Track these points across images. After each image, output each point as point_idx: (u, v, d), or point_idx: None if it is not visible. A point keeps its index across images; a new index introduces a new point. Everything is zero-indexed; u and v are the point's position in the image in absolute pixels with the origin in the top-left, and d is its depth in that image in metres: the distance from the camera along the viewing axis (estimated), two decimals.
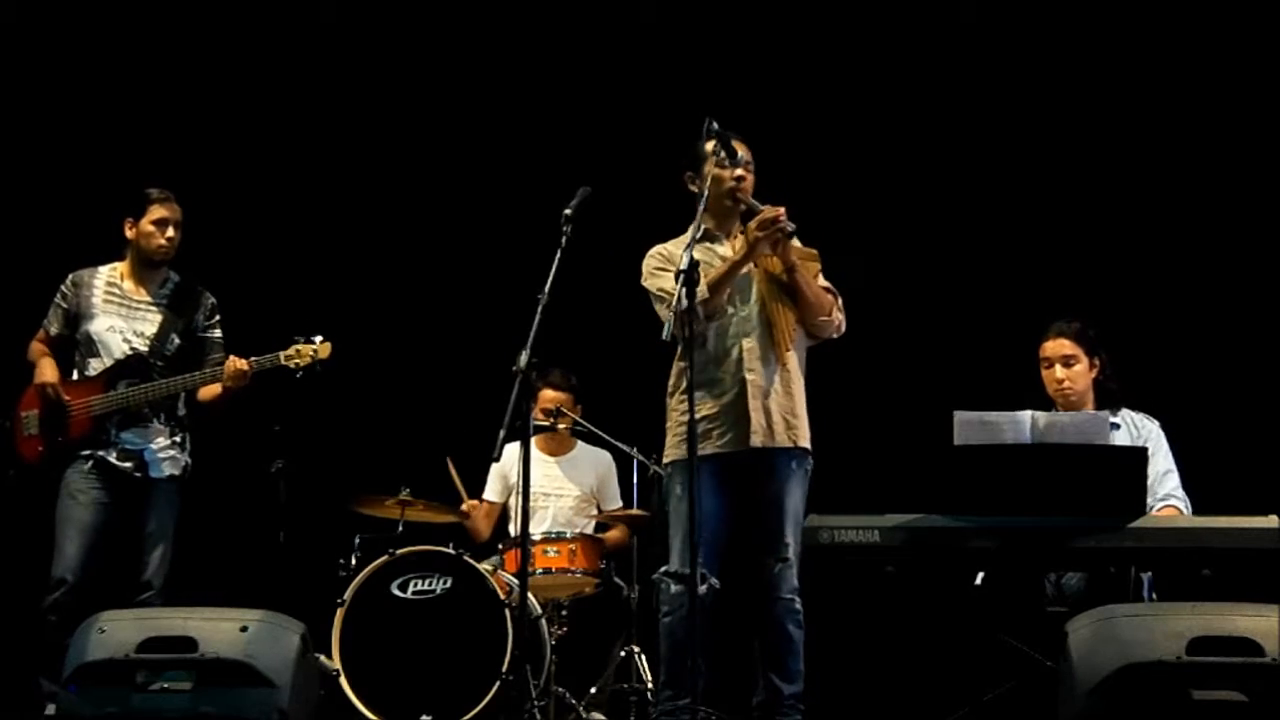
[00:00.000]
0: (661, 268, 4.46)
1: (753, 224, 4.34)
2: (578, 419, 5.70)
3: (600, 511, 5.86)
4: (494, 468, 5.83)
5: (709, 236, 4.50)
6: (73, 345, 4.97)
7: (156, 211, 4.93)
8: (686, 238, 4.38)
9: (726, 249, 4.47)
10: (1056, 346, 4.68)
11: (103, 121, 6.42)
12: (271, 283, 6.26)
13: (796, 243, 4.51)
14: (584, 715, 5.27)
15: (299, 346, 4.89)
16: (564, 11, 6.41)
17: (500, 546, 5.64)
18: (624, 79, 6.37)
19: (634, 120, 6.22)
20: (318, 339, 4.91)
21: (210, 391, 4.95)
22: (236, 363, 4.84)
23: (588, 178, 4.38)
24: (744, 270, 4.40)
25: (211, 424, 5.26)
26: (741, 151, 4.44)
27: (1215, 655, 3.39)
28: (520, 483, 4.20)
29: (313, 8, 6.51)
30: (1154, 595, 4.43)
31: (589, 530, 5.70)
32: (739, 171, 4.42)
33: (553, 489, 5.83)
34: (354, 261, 6.55)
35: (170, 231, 4.94)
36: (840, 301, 4.50)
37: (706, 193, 4.25)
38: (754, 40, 6.30)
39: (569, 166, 5.37)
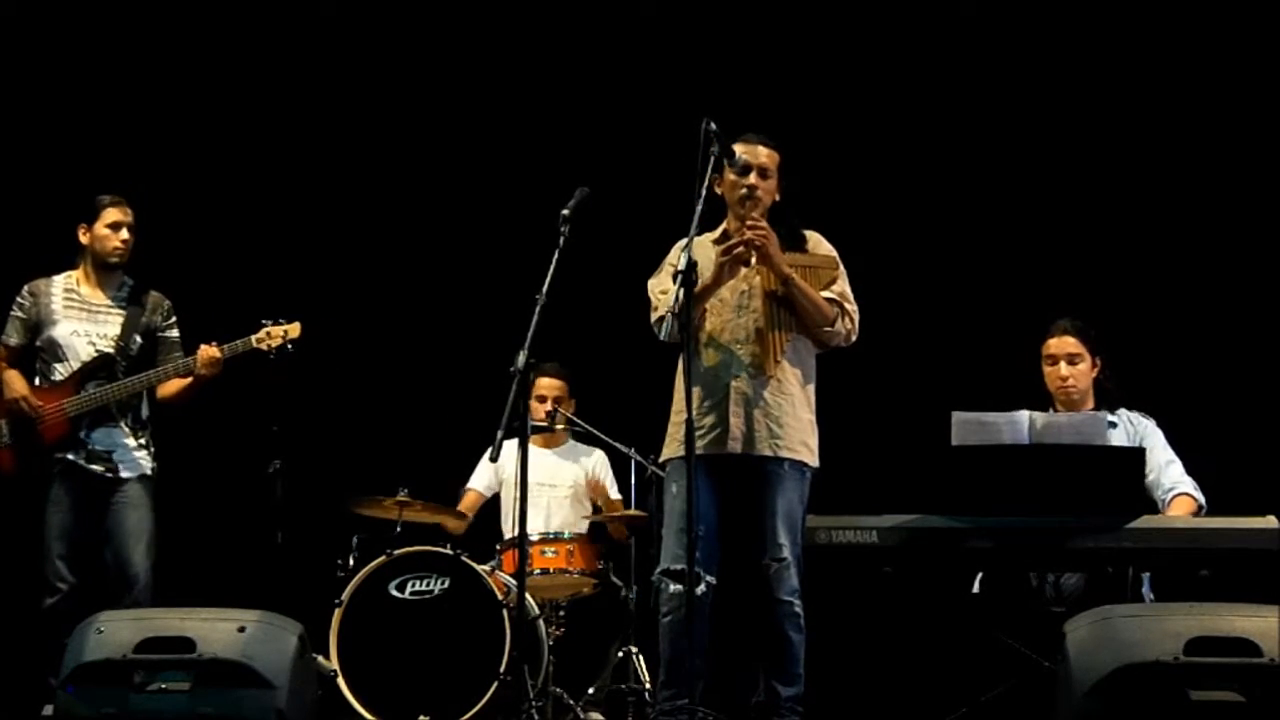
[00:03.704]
0: (672, 264, 4.46)
1: (719, 248, 4.35)
2: (576, 420, 5.70)
3: (598, 508, 5.87)
4: (484, 460, 5.84)
5: (728, 238, 4.48)
6: (33, 355, 5.03)
7: (110, 215, 5.03)
8: (712, 234, 4.45)
9: None
10: (1062, 344, 4.67)
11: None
12: (272, 284, 6.25)
13: (825, 247, 4.50)
14: (582, 715, 5.27)
15: (269, 329, 4.98)
16: (563, 8, 6.41)
17: (498, 547, 5.65)
18: (623, 77, 6.37)
19: (634, 120, 6.22)
20: (284, 320, 4.99)
21: (173, 387, 5.03)
22: (209, 351, 4.91)
23: (587, 178, 4.38)
24: (746, 281, 4.40)
25: (210, 424, 5.28)
26: (761, 157, 4.42)
27: (1213, 656, 3.38)
28: (518, 483, 4.19)
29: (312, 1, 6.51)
30: (1152, 595, 4.44)
31: (585, 524, 5.71)
32: (750, 180, 4.41)
33: (546, 479, 5.83)
34: (353, 263, 6.55)
35: (125, 234, 5.03)
36: (852, 310, 4.47)
37: (704, 193, 4.24)
38: (754, 40, 6.30)
39: (568, 166, 5.36)
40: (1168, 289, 5.94)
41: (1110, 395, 4.68)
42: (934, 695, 4.56)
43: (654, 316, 4.44)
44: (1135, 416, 4.67)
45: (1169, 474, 4.53)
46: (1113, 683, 3.39)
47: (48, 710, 4.58)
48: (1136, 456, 4.15)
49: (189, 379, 4.97)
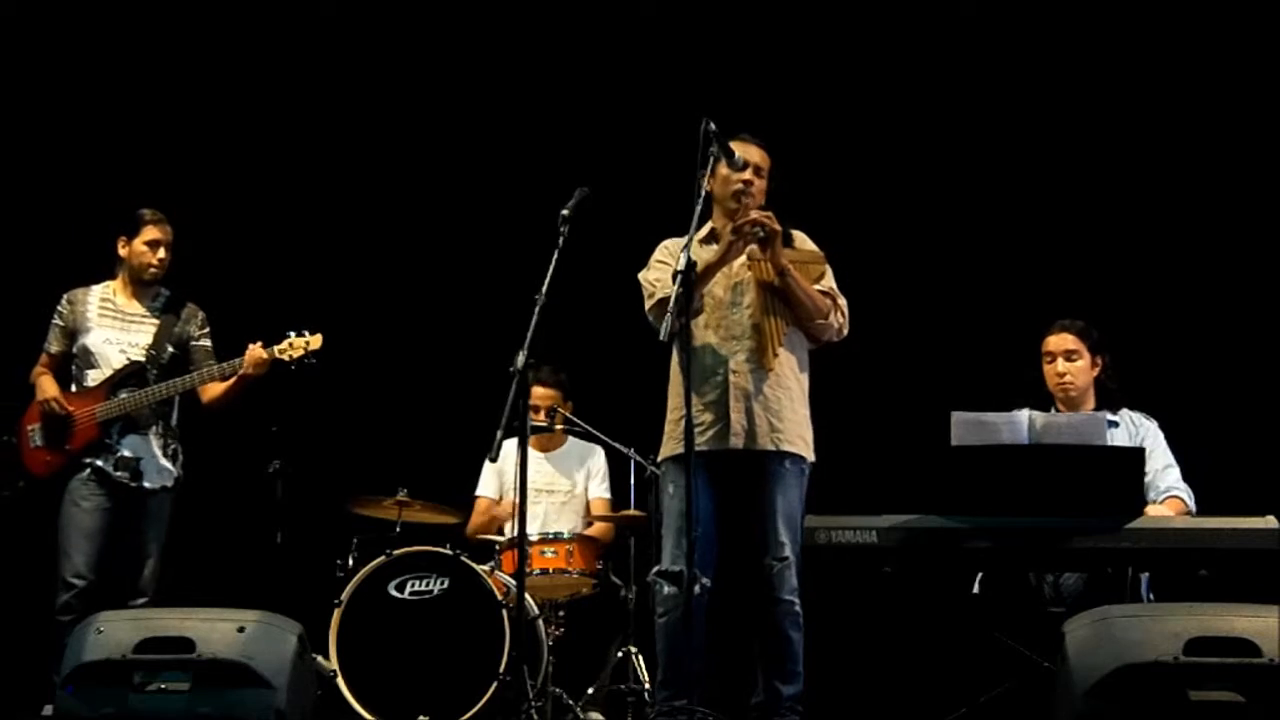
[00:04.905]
0: (663, 261, 4.47)
1: (727, 228, 4.35)
2: (575, 420, 5.70)
3: (589, 505, 5.87)
4: (487, 464, 5.84)
5: (715, 237, 4.49)
6: (71, 360, 5.11)
7: (150, 233, 5.11)
8: (698, 235, 4.43)
9: None
10: (1059, 341, 4.68)
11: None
12: (270, 284, 6.26)
13: (810, 244, 4.51)
14: (581, 715, 5.27)
15: (291, 339, 5.05)
16: (562, 8, 6.41)
17: (496, 547, 5.65)
18: (623, 77, 6.36)
19: (633, 120, 6.22)
20: (307, 332, 5.05)
21: (217, 390, 5.09)
22: (257, 351, 4.99)
23: (586, 178, 4.38)
24: (739, 275, 4.40)
25: (209, 424, 5.28)
26: (754, 156, 4.44)
27: (1212, 656, 3.38)
28: (517, 485, 4.20)
29: (312, 4, 6.50)
30: (1152, 596, 4.44)
31: (583, 526, 5.70)
32: (746, 175, 4.42)
33: (544, 485, 5.84)
34: (351, 262, 6.55)
35: (162, 252, 5.12)
36: (843, 304, 4.48)
37: (704, 193, 4.24)
38: (753, 39, 6.30)
39: (568, 166, 5.36)
40: (1168, 288, 5.94)
41: (1113, 395, 4.68)
42: (934, 695, 4.56)
43: (649, 303, 4.43)
44: (1138, 417, 4.67)
45: (1165, 478, 4.55)
46: (1112, 683, 3.40)
47: (48, 710, 4.59)
48: (1136, 456, 4.15)
49: (233, 380, 5.03)
